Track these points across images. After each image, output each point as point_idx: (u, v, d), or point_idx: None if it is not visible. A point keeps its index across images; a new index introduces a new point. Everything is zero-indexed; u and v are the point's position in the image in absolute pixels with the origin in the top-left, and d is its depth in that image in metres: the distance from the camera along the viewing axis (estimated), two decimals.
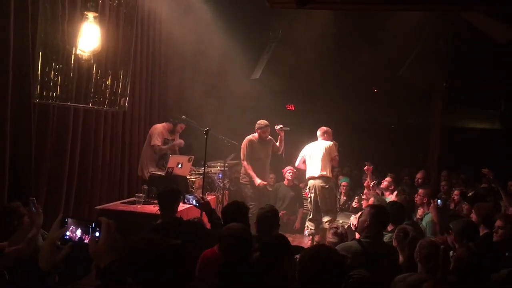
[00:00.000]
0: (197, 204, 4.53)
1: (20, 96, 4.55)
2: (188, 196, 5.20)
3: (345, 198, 8.14)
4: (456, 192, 6.70)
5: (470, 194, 6.23)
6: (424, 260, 3.23)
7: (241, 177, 7.15)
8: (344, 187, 8.11)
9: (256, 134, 7.07)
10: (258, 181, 6.89)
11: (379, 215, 3.63)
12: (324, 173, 6.62)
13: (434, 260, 3.16)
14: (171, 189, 4.35)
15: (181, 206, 5.02)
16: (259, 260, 2.97)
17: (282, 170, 8.56)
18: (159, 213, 4.34)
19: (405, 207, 4.75)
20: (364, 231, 3.60)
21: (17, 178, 4.61)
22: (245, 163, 7.00)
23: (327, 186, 6.66)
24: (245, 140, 7.03)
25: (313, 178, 6.70)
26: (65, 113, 5.40)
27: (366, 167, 6.86)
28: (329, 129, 6.95)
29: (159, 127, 6.64)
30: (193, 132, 7.01)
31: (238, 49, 8.74)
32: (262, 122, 6.99)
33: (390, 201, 4.86)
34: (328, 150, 6.65)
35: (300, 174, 9.59)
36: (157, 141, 6.43)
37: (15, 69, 4.41)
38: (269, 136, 7.06)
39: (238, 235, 2.94)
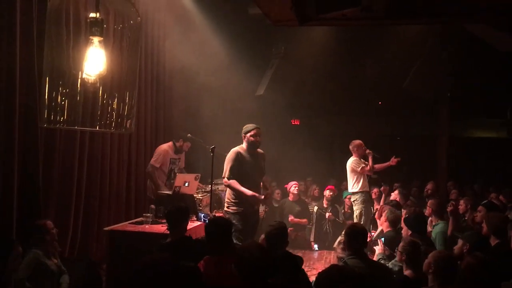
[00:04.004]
0: None
1: (27, 120, 4.60)
2: (201, 214, 5.24)
3: (349, 211, 8.36)
4: (462, 201, 6.68)
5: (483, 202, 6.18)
6: (439, 273, 3.19)
7: (226, 204, 5.48)
8: (348, 200, 8.31)
9: (244, 145, 5.44)
10: (250, 192, 5.19)
11: (352, 233, 3.87)
12: (351, 189, 7.20)
13: (451, 273, 3.16)
14: (179, 208, 4.34)
15: (190, 225, 5.02)
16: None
17: (285, 186, 8.51)
18: (168, 232, 4.34)
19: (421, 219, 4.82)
20: (346, 251, 3.87)
21: (26, 201, 4.62)
22: (228, 180, 5.32)
23: (353, 200, 7.20)
24: (230, 152, 5.43)
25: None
26: (71, 135, 5.47)
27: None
28: (356, 142, 7.21)
29: (163, 147, 6.68)
30: (199, 150, 7.02)
31: (241, 66, 8.81)
32: (249, 125, 5.43)
33: (409, 214, 4.87)
34: (350, 167, 7.10)
35: (306, 187, 9.57)
36: (154, 161, 6.51)
37: (21, 94, 4.48)
38: (261, 150, 5.57)
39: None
